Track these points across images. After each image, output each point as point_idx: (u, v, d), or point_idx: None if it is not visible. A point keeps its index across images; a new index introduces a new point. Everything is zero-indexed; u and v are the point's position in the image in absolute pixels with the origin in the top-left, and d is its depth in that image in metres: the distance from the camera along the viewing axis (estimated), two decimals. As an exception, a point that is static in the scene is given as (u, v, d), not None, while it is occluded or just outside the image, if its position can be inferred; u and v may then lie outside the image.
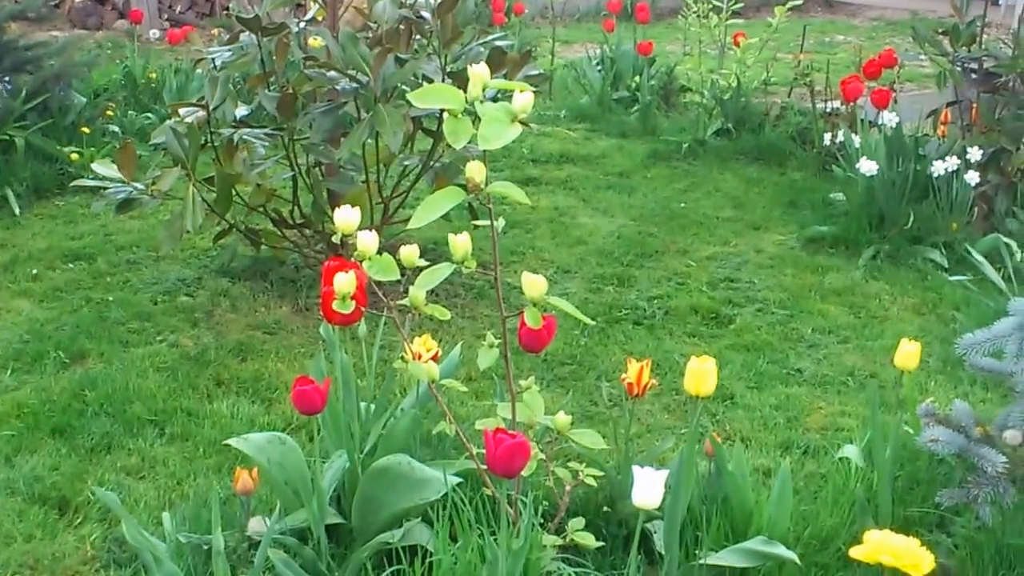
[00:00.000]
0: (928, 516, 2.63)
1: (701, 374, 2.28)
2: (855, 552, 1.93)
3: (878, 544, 1.90)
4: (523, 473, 2.19)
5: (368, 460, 2.48)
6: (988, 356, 2.73)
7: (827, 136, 5.88)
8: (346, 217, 2.31)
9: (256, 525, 2.34)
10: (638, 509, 2.04)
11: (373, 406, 2.71)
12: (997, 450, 2.54)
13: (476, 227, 2.29)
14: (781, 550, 2.32)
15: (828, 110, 6.27)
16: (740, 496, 2.53)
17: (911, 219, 4.80)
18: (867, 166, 4.81)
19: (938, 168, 4.76)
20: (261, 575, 2.09)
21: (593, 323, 2.23)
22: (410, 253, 2.33)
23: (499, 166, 6.03)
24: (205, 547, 2.32)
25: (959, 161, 4.77)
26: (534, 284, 2.13)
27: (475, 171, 2.04)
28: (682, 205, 5.50)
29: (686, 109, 7.06)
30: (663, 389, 3.48)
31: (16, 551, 2.62)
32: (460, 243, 2.17)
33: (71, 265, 4.54)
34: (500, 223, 2.18)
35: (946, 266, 4.59)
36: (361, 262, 2.23)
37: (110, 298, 4.18)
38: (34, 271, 4.45)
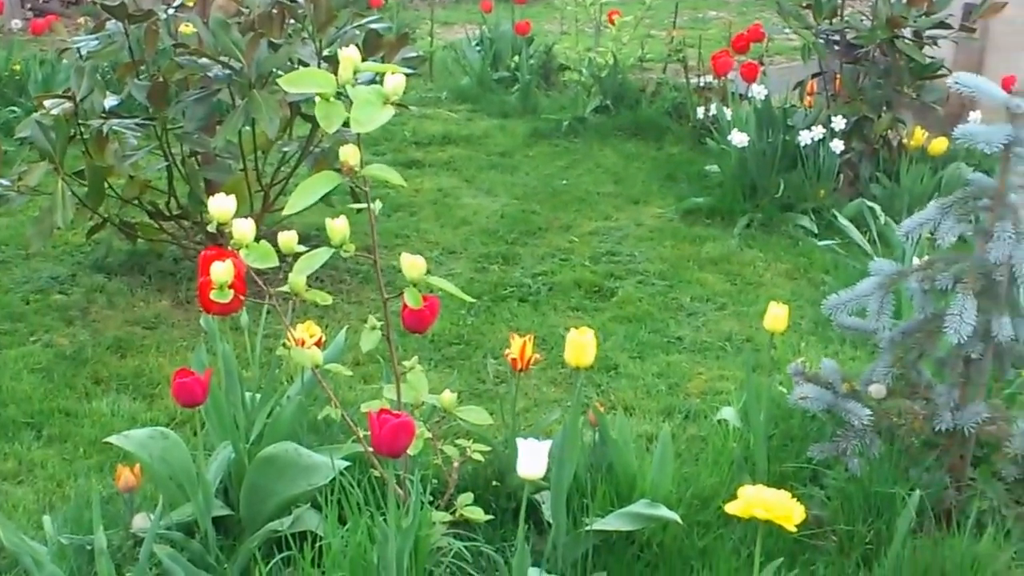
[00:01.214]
0: (802, 471, 2.74)
1: (580, 346, 2.34)
2: (730, 508, 2.02)
3: (751, 499, 1.99)
4: (410, 452, 2.21)
5: (254, 449, 2.46)
6: (853, 315, 2.87)
7: (701, 110, 6.04)
8: (221, 205, 2.28)
9: (141, 522, 2.30)
10: (524, 480, 2.08)
11: (258, 396, 2.69)
12: (863, 404, 2.68)
13: (358, 211, 2.29)
14: (663, 511, 2.39)
15: (701, 85, 6.44)
16: (624, 462, 2.60)
17: (782, 188, 4.98)
18: (738, 138, 4.96)
19: (805, 137, 4.94)
20: (147, 571, 2.07)
21: (474, 301, 2.26)
22: (288, 239, 2.32)
23: (381, 149, 6.00)
24: (88, 547, 2.26)
25: (824, 130, 4.96)
26: (413, 265, 2.15)
27: (349, 154, 2.04)
28: (564, 182, 5.58)
29: (565, 87, 7.15)
30: (549, 363, 3.54)
31: None
32: (337, 227, 2.17)
33: (-65, 267, 4.36)
34: (377, 205, 2.18)
35: (816, 232, 4.79)
36: (238, 250, 2.21)
37: (-22, 300, 4.02)
38: None
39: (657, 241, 4.79)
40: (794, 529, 2.00)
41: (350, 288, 4.15)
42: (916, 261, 2.93)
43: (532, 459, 2.04)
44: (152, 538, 2.04)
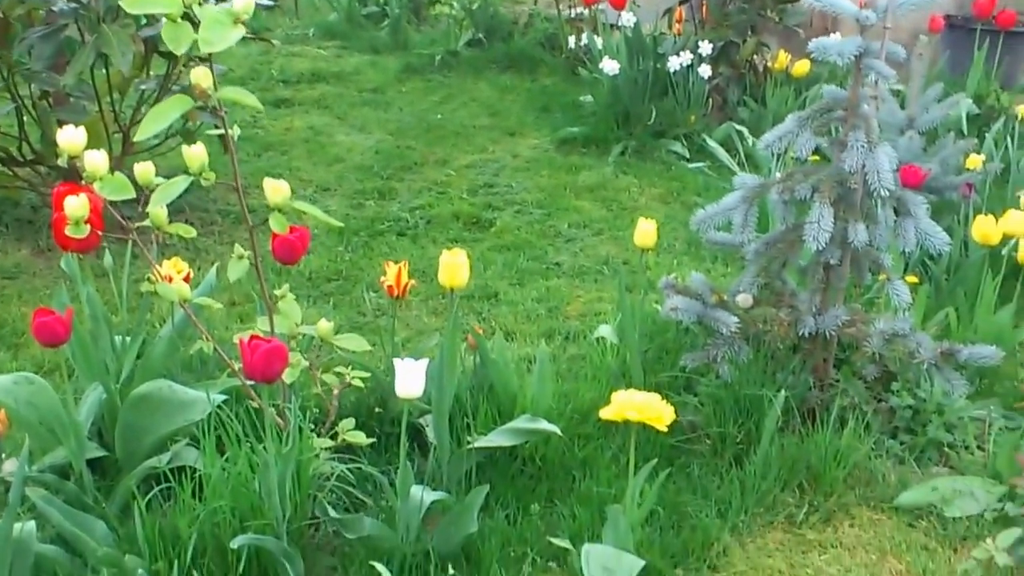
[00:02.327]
0: (676, 380, 2.83)
1: (453, 267, 2.35)
2: (604, 413, 2.07)
3: (623, 403, 2.05)
4: (287, 380, 2.20)
5: (126, 390, 2.40)
6: (720, 231, 2.96)
7: (572, 40, 6.06)
8: (71, 137, 2.20)
9: (11, 467, 2.23)
10: (403, 401, 2.10)
11: (128, 339, 2.61)
12: (731, 313, 2.77)
13: (224, 152, 2.21)
14: (544, 424, 2.44)
15: (572, 15, 6.46)
16: (505, 382, 2.63)
17: (654, 115, 5.06)
18: (609, 66, 5.01)
19: (674, 63, 5.02)
20: (17, 515, 2.01)
21: (341, 226, 2.24)
22: (145, 171, 2.25)
23: (249, 88, 5.69)
24: (-45, 497, 2.19)
25: (693, 56, 5.04)
26: (276, 189, 2.11)
27: (201, 77, 1.98)
28: (439, 116, 5.54)
29: (437, 21, 7.07)
30: (429, 294, 3.55)
31: None
32: (195, 154, 2.11)
33: None
34: (236, 131, 2.13)
35: (687, 156, 4.89)
36: (92, 184, 2.13)
37: None
38: None
39: (534, 171, 4.81)
40: (665, 429, 2.07)
41: (221, 229, 4.06)
42: (777, 175, 3.03)
43: (410, 378, 2.05)
44: (21, 481, 1.97)
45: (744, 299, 2.83)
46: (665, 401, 2.08)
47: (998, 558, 1.51)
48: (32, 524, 2.00)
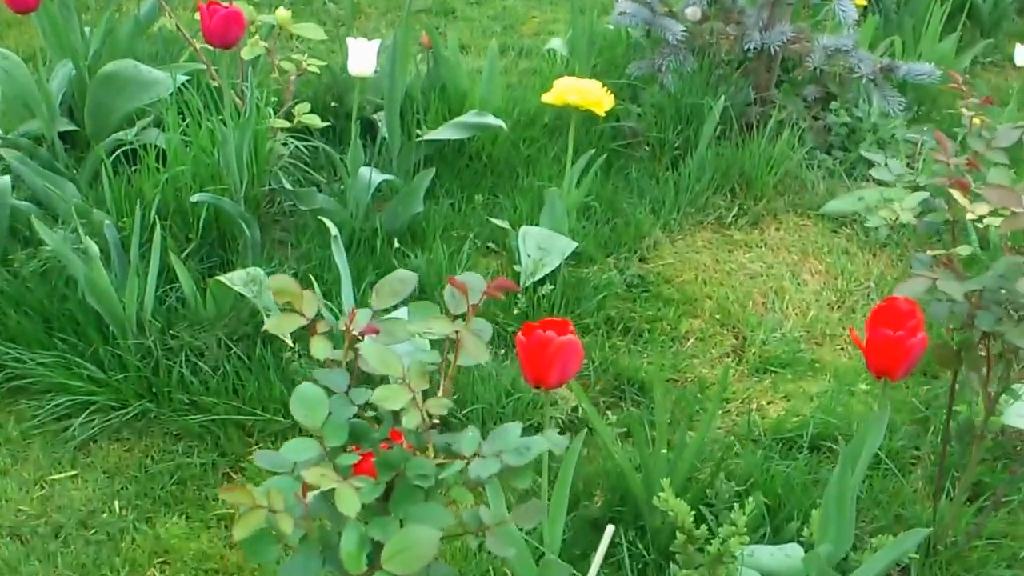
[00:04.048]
0: (623, 90, 2.92)
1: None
2: (546, 97, 2.19)
3: (565, 87, 2.17)
4: (245, 57, 2.29)
5: (95, 67, 2.48)
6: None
7: None
8: None
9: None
10: (356, 79, 2.20)
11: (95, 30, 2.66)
12: (679, 22, 2.84)
13: None
14: (490, 119, 2.55)
15: None
16: (456, 82, 2.73)
17: None
18: None
19: None
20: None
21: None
22: None
23: None
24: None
25: None
26: None
27: None
28: None
29: None
30: (388, 7, 3.61)
31: None
32: None
33: None
34: None
35: None
36: None
37: None
38: None
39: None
40: (603, 114, 2.20)
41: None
42: None
43: (362, 56, 2.15)
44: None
45: (693, 12, 2.88)
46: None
47: (903, 216, 1.67)
48: (7, 179, 2.13)
